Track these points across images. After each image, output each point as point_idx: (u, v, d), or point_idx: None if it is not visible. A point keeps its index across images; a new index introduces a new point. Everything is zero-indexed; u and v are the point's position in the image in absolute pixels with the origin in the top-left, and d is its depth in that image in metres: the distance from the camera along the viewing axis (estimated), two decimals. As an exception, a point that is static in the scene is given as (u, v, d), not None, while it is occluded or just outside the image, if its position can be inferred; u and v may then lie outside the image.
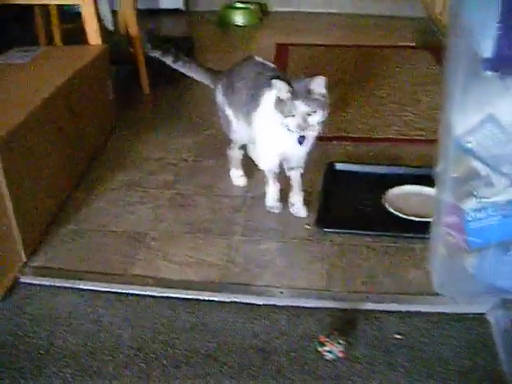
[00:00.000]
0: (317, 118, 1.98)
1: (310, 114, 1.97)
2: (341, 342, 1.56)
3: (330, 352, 1.57)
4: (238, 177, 2.50)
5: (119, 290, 1.86)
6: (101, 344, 1.65)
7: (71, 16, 3.78)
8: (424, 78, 3.73)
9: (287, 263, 1.99)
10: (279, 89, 1.98)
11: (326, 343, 1.56)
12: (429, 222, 1.88)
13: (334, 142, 2.88)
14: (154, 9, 5.41)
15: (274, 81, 1.98)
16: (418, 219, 2.13)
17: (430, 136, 2.81)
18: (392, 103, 3.36)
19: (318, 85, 1.97)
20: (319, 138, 2.12)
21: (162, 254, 2.04)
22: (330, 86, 1.98)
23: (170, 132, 3.02)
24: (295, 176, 2.26)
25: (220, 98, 2.37)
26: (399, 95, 3.48)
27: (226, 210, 2.31)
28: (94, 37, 2.99)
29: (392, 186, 2.32)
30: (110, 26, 4.44)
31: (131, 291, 1.86)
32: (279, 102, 2.00)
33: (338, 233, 2.14)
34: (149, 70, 3.50)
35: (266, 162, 2.25)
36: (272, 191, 2.27)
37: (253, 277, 1.93)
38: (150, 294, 1.85)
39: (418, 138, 2.91)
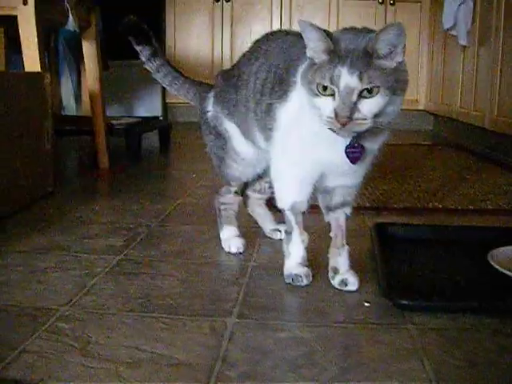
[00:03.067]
0: (374, 102, 1.03)
1: (362, 95, 1.03)
2: None
3: None
4: (232, 238, 1.48)
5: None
6: None
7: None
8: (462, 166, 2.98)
9: (344, 362, 0.92)
10: (309, 40, 1.08)
11: None
12: None
13: (372, 212, 1.87)
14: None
15: (299, 22, 1.07)
16: None
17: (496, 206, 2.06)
18: (437, 178, 2.54)
19: (389, 41, 1.04)
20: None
21: (79, 343, 0.96)
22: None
23: (129, 199, 2.09)
24: (338, 221, 1.28)
25: (212, 108, 1.46)
26: (443, 173, 2.69)
27: (211, 281, 1.30)
28: (31, 59, 2.06)
29: (481, 252, 1.35)
30: (73, 109, 3.69)
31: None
32: (310, 67, 1.10)
33: (425, 309, 1.11)
34: (110, 147, 2.74)
35: (290, 193, 1.27)
36: (297, 249, 1.26)
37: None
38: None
39: (483, 207, 2.03)
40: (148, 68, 1.58)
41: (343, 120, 1.02)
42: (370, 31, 1.10)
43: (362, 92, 1.02)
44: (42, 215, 1.82)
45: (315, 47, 1.07)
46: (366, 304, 1.16)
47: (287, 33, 1.36)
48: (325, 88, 1.05)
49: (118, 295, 1.20)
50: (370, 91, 1.02)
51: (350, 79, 1.02)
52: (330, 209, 1.28)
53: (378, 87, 1.03)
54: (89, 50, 2.66)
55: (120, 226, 1.72)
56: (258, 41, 1.39)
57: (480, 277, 1.30)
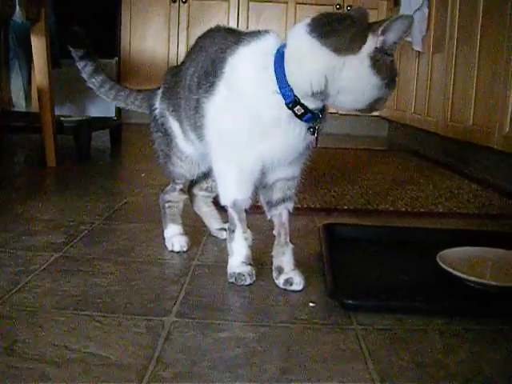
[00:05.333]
0: None
1: None
2: None
3: None
4: (176, 236, 1.43)
5: None
6: None
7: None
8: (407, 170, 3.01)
9: (285, 362, 0.88)
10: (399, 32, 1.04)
11: None
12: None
13: (322, 213, 1.84)
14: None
15: (390, 20, 1.03)
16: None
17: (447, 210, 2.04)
18: (389, 182, 2.52)
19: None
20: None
21: (5, 341, 0.91)
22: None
23: (74, 197, 2.03)
24: (281, 218, 1.25)
25: (159, 105, 1.41)
26: (395, 177, 2.68)
27: (152, 280, 1.24)
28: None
29: (430, 253, 1.32)
30: (22, 105, 3.59)
31: None
32: (383, 60, 1.06)
33: (371, 309, 1.08)
34: (57, 144, 2.64)
35: (231, 190, 1.22)
36: (240, 247, 1.21)
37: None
38: None
39: (434, 210, 2.02)
40: (91, 85, 1.54)
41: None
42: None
43: None
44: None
45: (400, 33, 1.05)
46: (311, 304, 1.13)
47: (219, 28, 1.31)
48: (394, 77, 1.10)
49: (53, 293, 1.14)
50: None
51: None
52: (271, 205, 1.24)
53: None
54: (38, 44, 2.58)
55: (62, 223, 1.65)
56: (198, 37, 1.35)
57: (428, 278, 1.28)
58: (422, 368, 0.90)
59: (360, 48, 1.03)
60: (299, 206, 1.64)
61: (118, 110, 4.72)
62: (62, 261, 1.33)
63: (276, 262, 1.22)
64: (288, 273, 1.20)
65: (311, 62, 1.06)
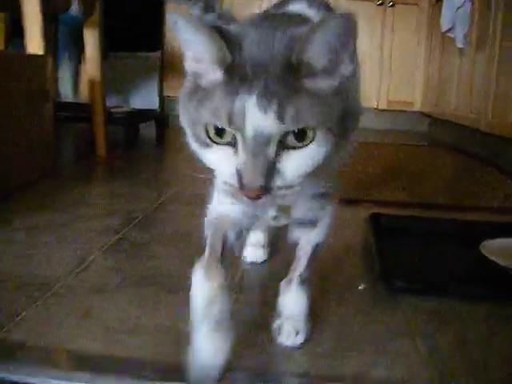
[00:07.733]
0: (305, 157, 0.62)
1: (285, 145, 0.61)
2: None
3: None
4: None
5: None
6: None
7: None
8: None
9: (337, 342, 0.94)
10: (189, 45, 0.65)
11: None
12: None
13: (366, 204, 1.90)
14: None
15: (169, 16, 0.61)
16: None
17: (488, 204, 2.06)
18: (431, 178, 2.58)
19: (328, 45, 0.59)
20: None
21: (82, 311, 0.99)
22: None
23: (126, 185, 2.11)
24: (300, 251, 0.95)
25: None
26: (437, 173, 2.74)
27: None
28: (33, 43, 2.06)
29: (473, 244, 1.38)
30: (69, 96, 3.70)
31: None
32: (193, 93, 0.65)
33: (419, 293, 1.15)
34: (109, 134, 2.73)
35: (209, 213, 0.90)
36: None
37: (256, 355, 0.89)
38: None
39: (476, 205, 2.05)
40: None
41: (253, 191, 0.61)
42: (303, 21, 0.69)
43: (284, 139, 0.61)
44: (41, 195, 1.84)
45: (200, 57, 0.64)
46: (360, 287, 1.18)
47: None
48: (219, 132, 0.62)
49: (117, 271, 1.23)
50: (299, 137, 0.61)
51: (263, 117, 0.59)
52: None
53: (314, 129, 0.61)
54: (91, 37, 2.67)
55: (119, 207, 1.74)
56: None
57: (471, 266, 1.32)
58: (467, 345, 0.95)
59: None
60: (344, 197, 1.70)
61: (162, 103, 4.82)
62: (122, 242, 1.42)
63: (279, 301, 0.97)
64: (282, 319, 0.95)
65: None
